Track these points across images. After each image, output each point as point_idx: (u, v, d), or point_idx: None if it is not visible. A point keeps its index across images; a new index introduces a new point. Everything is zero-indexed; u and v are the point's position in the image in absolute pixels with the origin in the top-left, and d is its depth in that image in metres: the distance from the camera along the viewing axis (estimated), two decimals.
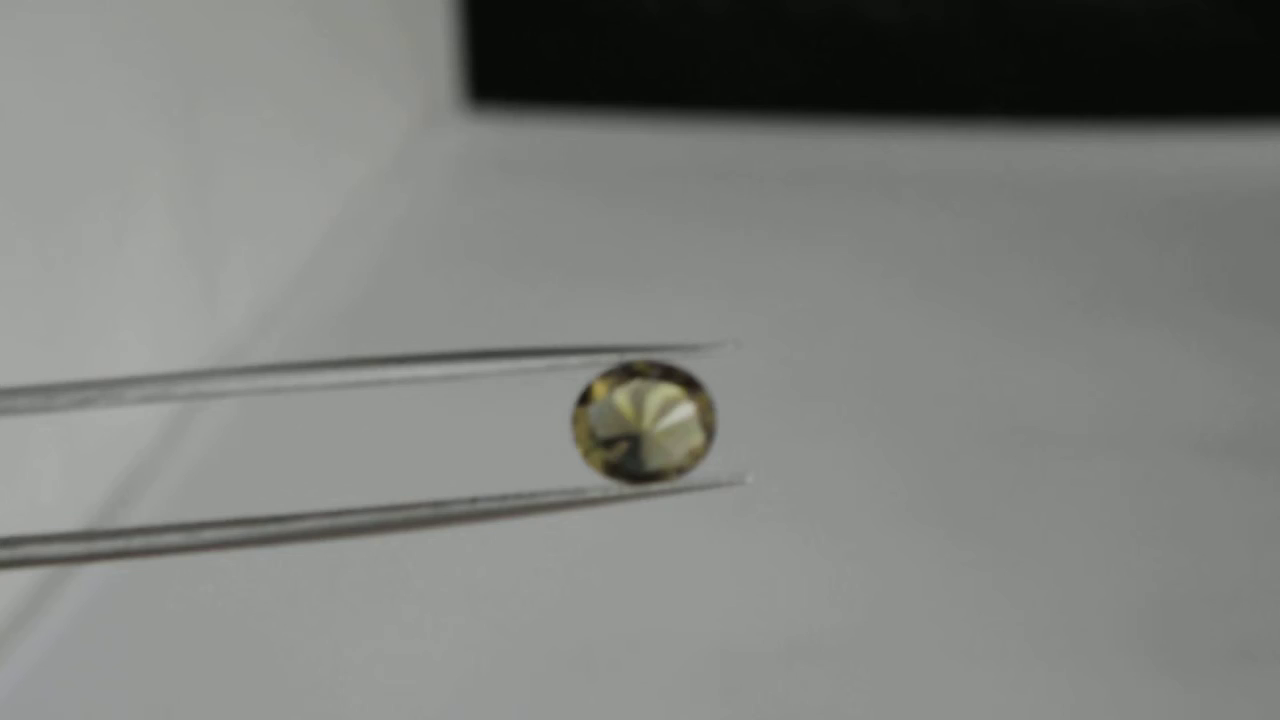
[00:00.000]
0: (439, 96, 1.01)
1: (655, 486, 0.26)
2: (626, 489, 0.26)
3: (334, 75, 0.88)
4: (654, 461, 0.26)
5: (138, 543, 0.24)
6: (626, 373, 0.26)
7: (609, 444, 0.26)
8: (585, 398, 0.26)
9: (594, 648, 0.56)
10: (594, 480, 0.26)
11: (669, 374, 0.26)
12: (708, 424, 0.26)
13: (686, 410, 0.26)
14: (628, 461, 0.26)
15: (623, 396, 0.26)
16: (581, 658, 0.55)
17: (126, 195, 0.64)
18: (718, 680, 0.54)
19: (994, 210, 0.90)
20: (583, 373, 0.26)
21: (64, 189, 0.59)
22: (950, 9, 1.01)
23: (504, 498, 0.25)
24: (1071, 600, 0.57)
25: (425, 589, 0.59)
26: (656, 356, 0.26)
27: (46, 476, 0.60)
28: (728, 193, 0.93)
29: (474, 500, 0.26)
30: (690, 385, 0.26)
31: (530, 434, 0.70)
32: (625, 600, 0.59)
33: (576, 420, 0.26)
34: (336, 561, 0.61)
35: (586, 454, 0.26)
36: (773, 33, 1.02)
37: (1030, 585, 0.58)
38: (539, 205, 0.90)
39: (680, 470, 0.26)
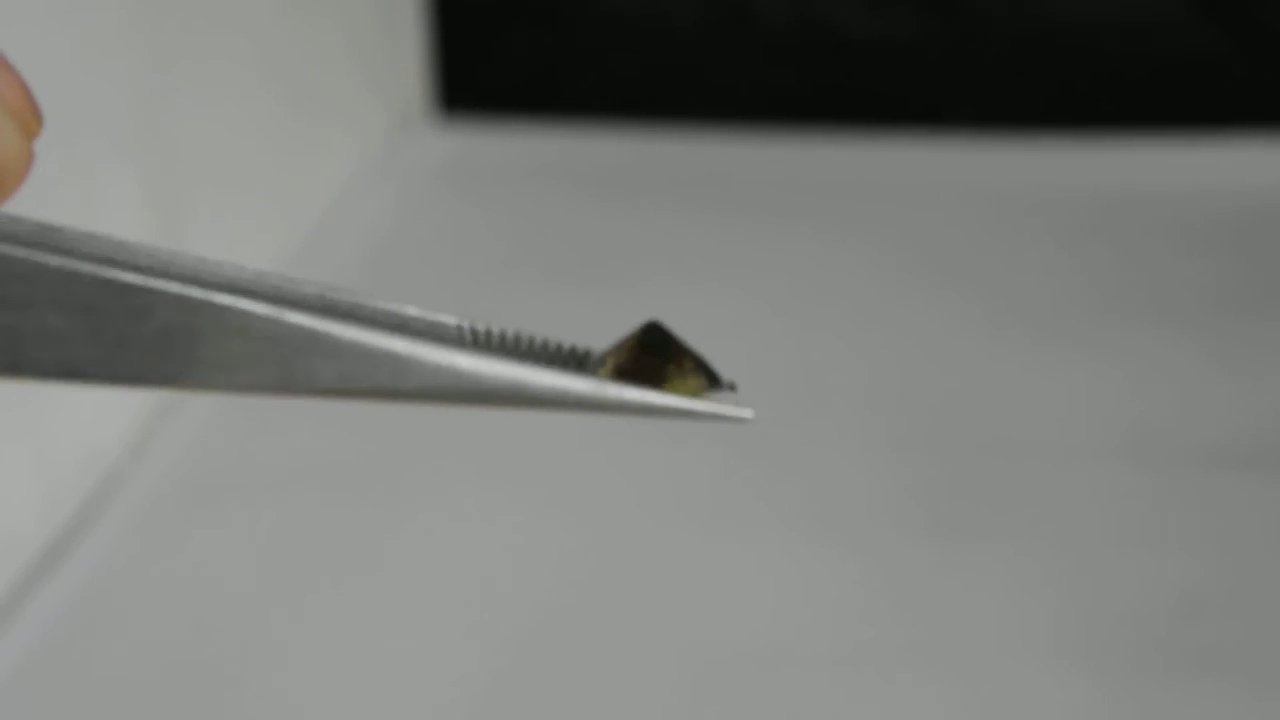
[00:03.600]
0: (410, 106, 1.01)
1: (660, 400, 0.26)
2: (631, 395, 0.26)
3: (305, 85, 0.87)
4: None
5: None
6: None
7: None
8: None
9: (586, 651, 0.55)
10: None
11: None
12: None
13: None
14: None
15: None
16: (574, 661, 0.55)
17: (102, 202, 0.64)
18: (710, 684, 0.54)
19: (967, 219, 0.90)
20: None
21: None
22: (920, 21, 1.01)
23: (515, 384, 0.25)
24: (1086, 608, 0.57)
25: (397, 595, 0.59)
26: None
27: (16, 492, 0.60)
28: (700, 202, 0.92)
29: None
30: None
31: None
32: (618, 605, 0.58)
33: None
34: (316, 567, 0.61)
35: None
36: (745, 43, 1.02)
37: (1047, 592, 0.58)
38: (511, 213, 0.89)
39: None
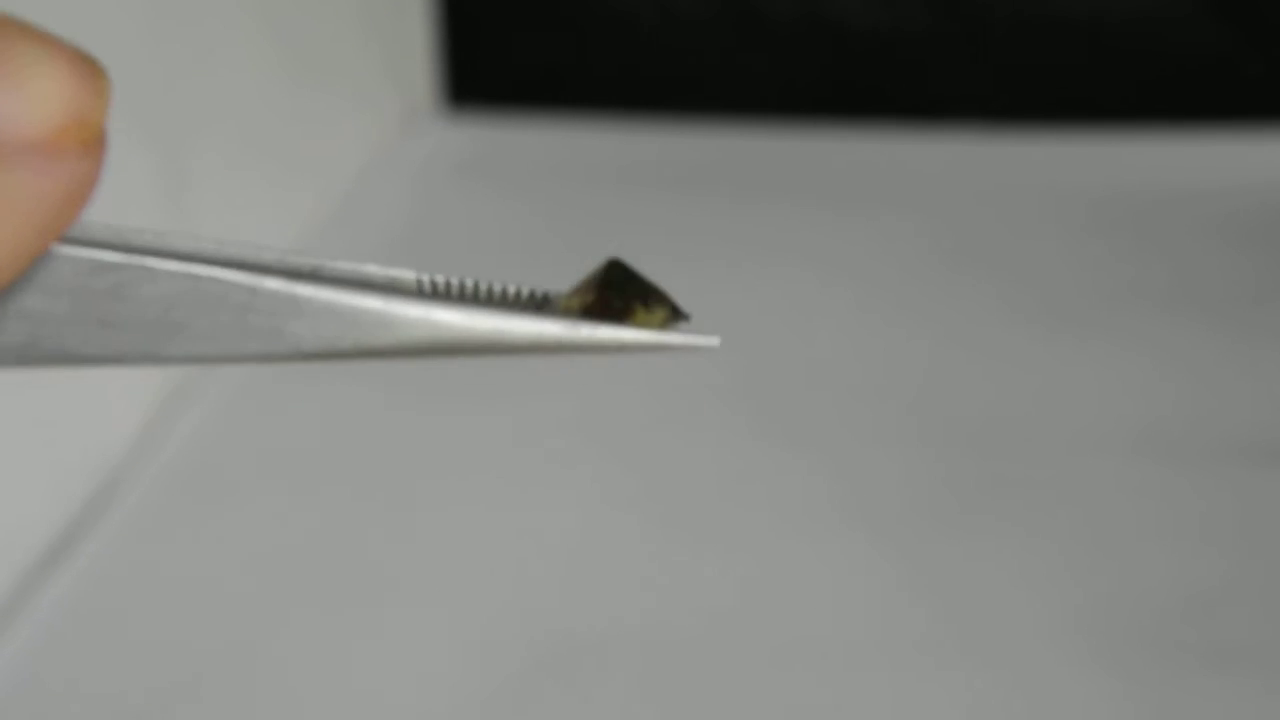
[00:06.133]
0: (418, 100, 1.01)
1: (632, 335, 0.26)
2: (604, 333, 0.26)
3: (311, 80, 0.87)
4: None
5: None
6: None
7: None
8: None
9: (566, 647, 0.55)
10: None
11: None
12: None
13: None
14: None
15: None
16: (553, 658, 0.55)
17: (113, 186, 0.64)
18: (732, 676, 0.54)
19: (988, 212, 0.90)
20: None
21: None
22: (929, 15, 1.01)
23: (471, 332, 0.25)
24: (1110, 600, 0.57)
25: (402, 590, 0.59)
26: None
27: (22, 488, 0.60)
28: (709, 194, 0.92)
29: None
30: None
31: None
32: (634, 603, 0.58)
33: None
34: (319, 564, 0.61)
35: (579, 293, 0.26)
36: (752, 38, 1.02)
37: (1071, 584, 0.58)
38: (520, 206, 0.89)
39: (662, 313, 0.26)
